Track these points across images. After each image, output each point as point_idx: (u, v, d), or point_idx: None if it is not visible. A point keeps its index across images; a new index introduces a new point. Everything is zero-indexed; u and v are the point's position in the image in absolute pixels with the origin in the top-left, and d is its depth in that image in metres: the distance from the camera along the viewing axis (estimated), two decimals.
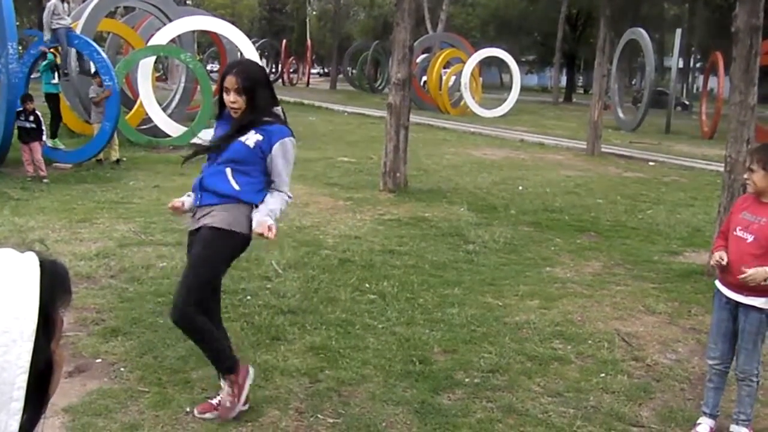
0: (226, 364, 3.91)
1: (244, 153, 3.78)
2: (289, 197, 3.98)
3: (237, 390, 3.90)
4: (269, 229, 3.71)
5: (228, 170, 3.78)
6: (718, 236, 4.07)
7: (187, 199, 3.98)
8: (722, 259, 3.81)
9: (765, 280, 3.68)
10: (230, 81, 3.76)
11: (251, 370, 4.02)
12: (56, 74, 13.71)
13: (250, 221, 3.80)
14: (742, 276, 3.69)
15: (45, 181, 10.61)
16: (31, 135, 10.82)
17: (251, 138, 3.78)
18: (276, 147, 3.80)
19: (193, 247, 3.84)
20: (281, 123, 3.89)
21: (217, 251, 3.79)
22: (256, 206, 3.83)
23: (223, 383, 3.93)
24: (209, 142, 4.02)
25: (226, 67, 3.96)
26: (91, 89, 12.62)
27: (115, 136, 12.73)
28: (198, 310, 3.78)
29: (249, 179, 3.81)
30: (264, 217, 3.76)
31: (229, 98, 3.78)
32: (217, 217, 3.76)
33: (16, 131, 11.00)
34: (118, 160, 12.63)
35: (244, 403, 3.99)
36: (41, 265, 1.00)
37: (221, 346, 3.91)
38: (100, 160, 12.55)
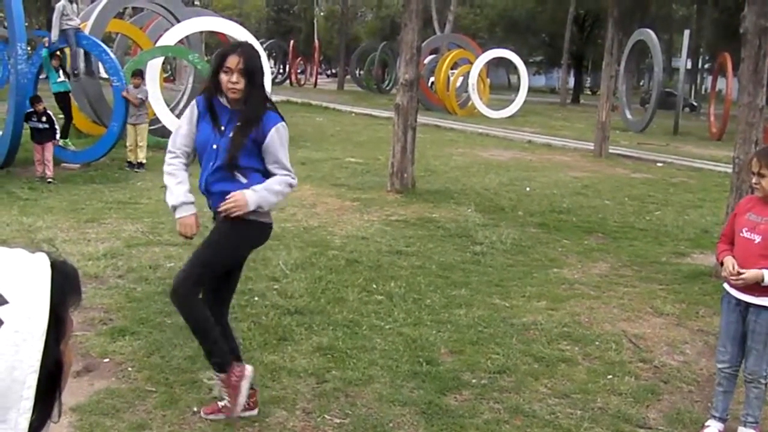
0: (214, 360, 3.83)
1: (242, 152, 3.70)
2: (293, 178, 3.83)
3: (232, 391, 3.81)
4: (235, 202, 3.61)
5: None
6: (721, 240, 4.04)
7: (191, 213, 3.83)
8: (734, 268, 3.78)
9: (759, 283, 3.67)
10: (233, 61, 3.61)
11: (249, 371, 3.88)
12: (60, 73, 13.68)
13: (267, 211, 3.82)
14: (741, 277, 3.68)
15: (50, 181, 10.64)
16: (44, 135, 10.89)
17: None
18: (271, 134, 3.70)
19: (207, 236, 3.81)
20: (273, 109, 3.80)
21: (228, 240, 3.77)
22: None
23: (216, 381, 3.91)
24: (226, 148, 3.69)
25: (226, 48, 3.78)
26: (134, 90, 12.43)
27: (144, 137, 12.60)
28: (195, 292, 3.75)
29: (253, 173, 3.75)
30: (244, 191, 3.65)
31: (231, 78, 3.61)
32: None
33: (28, 132, 11.05)
34: (135, 163, 12.43)
35: (253, 408, 3.98)
36: (52, 266, 1.00)
37: (216, 339, 3.79)
38: (131, 163, 12.43)
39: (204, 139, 3.76)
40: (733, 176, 7.27)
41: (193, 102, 3.85)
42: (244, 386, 3.82)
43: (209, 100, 3.75)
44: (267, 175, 3.80)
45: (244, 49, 3.74)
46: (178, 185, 3.79)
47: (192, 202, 3.80)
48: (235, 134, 3.68)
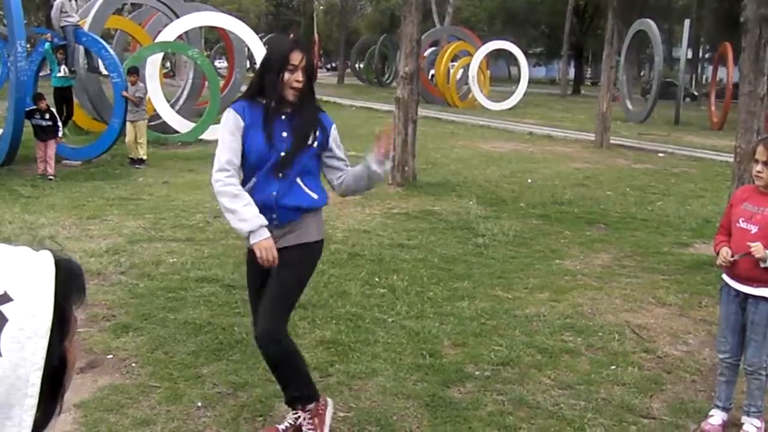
0: (307, 392, 3.61)
1: (310, 156, 3.49)
2: None
3: (318, 421, 3.62)
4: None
5: (299, 180, 3.46)
6: (719, 232, 4.02)
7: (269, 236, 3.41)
8: (729, 255, 3.77)
9: (761, 261, 3.64)
10: (297, 57, 3.34)
11: (330, 401, 3.75)
12: (62, 68, 13.65)
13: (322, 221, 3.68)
14: (753, 249, 3.64)
15: (51, 178, 10.65)
16: (47, 132, 10.90)
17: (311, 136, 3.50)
18: (333, 135, 3.56)
19: (281, 266, 3.43)
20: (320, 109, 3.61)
21: (309, 267, 3.62)
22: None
23: (291, 414, 3.70)
24: (283, 152, 3.41)
25: (283, 45, 3.44)
26: (131, 88, 12.40)
27: (144, 134, 12.55)
28: (286, 328, 3.57)
29: (316, 182, 3.55)
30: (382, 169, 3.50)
31: (297, 77, 3.34)
32: (303, 231, 3.51)
33: (31, 129, 11.05)
34: (136, 160, 12.45)
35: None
36: (56, 264, 1.00)
37: (307, 371, 3.66)
38: (133, 159, 12.41)
39: (262, 147, 3.42)
40: (734, 165, 7.27)
41: (232, 111, 3.47)
42: (329, 415, 3.67)
43: (269, 107, 3.41)
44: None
45: (301, 43, 3.49)
46: (246, 207, 3.35)
47: (267, 225, 3.38)
48: (300, 138, 3.46)
